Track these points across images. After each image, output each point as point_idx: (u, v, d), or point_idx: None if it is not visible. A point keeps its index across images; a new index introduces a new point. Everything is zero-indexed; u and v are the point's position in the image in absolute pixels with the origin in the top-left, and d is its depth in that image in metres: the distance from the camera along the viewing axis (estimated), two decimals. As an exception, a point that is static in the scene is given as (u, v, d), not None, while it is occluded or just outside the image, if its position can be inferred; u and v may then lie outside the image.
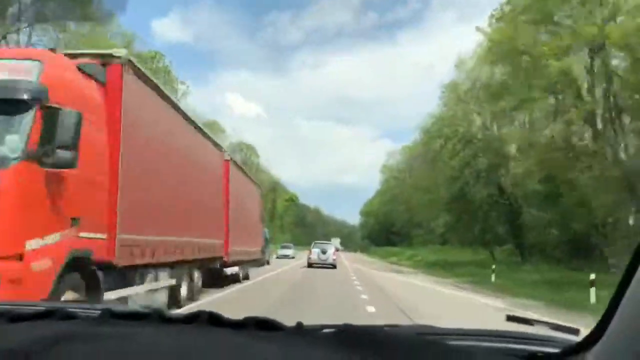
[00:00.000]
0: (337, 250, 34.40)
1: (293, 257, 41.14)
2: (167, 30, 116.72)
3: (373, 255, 71.33)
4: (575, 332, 1.11)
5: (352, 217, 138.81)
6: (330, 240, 46.73)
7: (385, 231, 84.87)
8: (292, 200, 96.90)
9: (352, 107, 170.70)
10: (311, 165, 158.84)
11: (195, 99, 63.75)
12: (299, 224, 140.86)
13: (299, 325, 0.88)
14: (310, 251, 28.45)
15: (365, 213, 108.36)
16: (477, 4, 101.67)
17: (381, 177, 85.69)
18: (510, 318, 1.32)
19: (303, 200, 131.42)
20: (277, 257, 39.44)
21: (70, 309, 1.05)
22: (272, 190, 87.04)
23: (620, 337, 0.74)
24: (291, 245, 50.58)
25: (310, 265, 27.14)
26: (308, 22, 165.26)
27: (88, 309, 1.20)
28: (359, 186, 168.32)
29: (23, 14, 20.74)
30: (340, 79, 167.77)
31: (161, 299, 7.29)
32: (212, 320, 0.88)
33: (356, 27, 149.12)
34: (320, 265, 27.08)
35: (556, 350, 0.98)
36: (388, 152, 79.98)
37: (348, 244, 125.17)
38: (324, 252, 27.46)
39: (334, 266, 26.96)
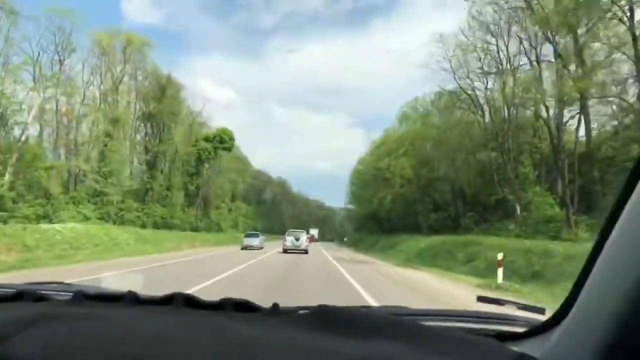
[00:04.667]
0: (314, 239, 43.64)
1: (261, 248, 33.18)
2: (136, 12, 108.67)
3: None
4: (542, 311, 1.18)
5: (328, 202, 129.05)
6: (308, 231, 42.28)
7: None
8: (224, 142, 47.74)
9: (326, 94, 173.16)
10: (284, 152, 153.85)
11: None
12: (253, 199, 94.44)
13: (275, 306, 0.89)
14: (285, 239, 30.58)
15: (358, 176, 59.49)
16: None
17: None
18: (481, 299, 1.38)
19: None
20: (242, 248, 32.33)
21: (41, 291, 1.06)
22: (159, 94, 38.58)
23: (585, 317, 0.78)
24: (258, 233, 37.79)
25: (285, 251, 28.92)
26: (282, 7, 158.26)
27: (59, 291, 1.24)
28: (334, 174, 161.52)
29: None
30: (314, 66, 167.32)
31: (135, 280, 4.42)
32: (188, 302, 0.88)
33: (331, 13, 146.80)
34: (294, 251, 28.97)
35: (524, 329, 1.04)
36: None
37: (328, 234, 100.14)
38: (297, 239, 29.87)
39: (306, 252, 28.92)
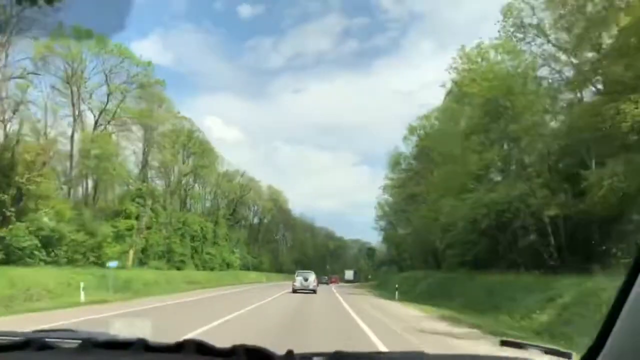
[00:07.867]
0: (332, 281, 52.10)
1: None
2: (146, 52, 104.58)
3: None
4: (568, 356, 1.11)
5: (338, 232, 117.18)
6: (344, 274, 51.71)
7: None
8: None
9: (331, 133, 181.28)
10: (289, 189, 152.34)
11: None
12: (226, 216, 63.04)
13: (290, 353, 0.86)
14: (295, 279, 32.18)
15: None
16: (454, 33, 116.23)
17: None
18: (504, 343, 1.32)
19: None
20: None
21: (47, 339, 1.02)
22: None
23: None
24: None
25: (294, 291, 30.58)
26: (289, 48, 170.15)
27: (66, 338, 1.18)
28: (339, 211, 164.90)
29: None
30: (320, 105, 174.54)
31: (145, 326, 4.04)
32: (200, 349, 0.85)
33: (336, 54, 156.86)
34: (303, 291, 30.82)
35: None
36: None
37: (340, 272, 77.69)
38: (306, 279, 31.44)
39: (314, 291, 30.84)
